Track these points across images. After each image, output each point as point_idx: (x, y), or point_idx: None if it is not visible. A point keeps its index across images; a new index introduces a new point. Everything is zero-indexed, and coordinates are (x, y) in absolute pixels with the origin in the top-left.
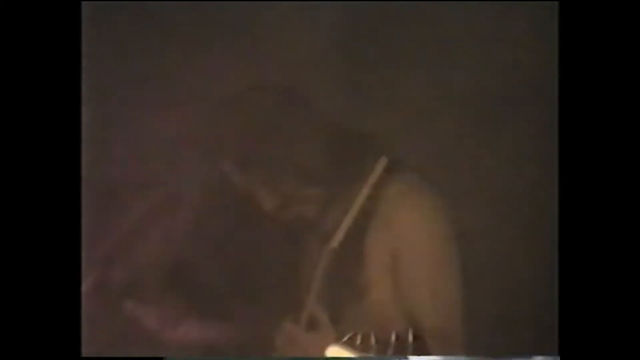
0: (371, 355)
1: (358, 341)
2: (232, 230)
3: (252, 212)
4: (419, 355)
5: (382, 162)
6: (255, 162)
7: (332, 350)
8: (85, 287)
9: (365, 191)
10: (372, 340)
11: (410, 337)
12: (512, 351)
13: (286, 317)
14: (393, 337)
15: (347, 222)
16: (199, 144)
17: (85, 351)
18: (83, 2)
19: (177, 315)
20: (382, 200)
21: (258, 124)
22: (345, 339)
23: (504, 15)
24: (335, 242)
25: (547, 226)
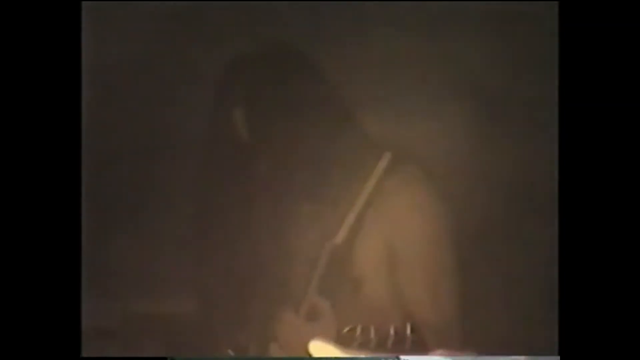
0: (369, 348)
1: (357, 333)
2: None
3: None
4: (417, 350)
5: (386, 157)
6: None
7: (314, 345)
8: None
9: (368, 186)
10: (372, 333)
11: (408, 331)
12: (512, 351)
13: (286, 307)
14: (392, 331)
15: (351, 218)
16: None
17: None
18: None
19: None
20: (381, 194)
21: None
22: (344, 331)
23: (504, 15)
24: (339, 238)
25: (546, 224)
